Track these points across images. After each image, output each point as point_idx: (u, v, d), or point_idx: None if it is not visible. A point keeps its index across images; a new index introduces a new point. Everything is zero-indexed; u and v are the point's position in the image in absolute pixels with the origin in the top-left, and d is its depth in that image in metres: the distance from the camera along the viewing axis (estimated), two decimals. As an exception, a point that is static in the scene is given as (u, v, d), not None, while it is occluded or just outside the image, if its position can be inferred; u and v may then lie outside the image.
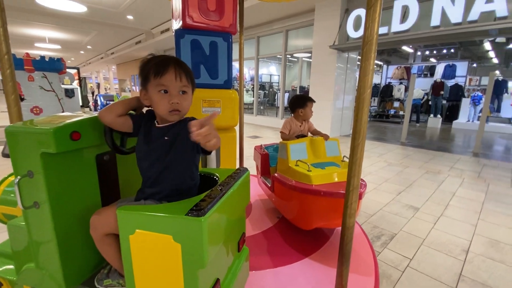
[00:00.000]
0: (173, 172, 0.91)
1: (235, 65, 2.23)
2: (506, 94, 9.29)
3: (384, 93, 11.22)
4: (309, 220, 1.51)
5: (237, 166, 1.98)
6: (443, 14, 4.36)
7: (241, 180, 0.91)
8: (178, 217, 0.68)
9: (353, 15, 5.50)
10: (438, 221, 2.36)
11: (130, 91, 21.62)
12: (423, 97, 9.80)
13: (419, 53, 13.92)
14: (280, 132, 2.19)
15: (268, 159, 2.13)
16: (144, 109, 1.03)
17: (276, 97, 10.58)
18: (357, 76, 6.94)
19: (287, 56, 7.88)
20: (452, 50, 13.70)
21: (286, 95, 10.15)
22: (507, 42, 10.15)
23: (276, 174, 1.77)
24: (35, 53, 17.21)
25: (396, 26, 4.84)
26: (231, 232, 0.88)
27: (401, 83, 11.00)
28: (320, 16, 6.26)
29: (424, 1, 4.58)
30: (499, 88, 9.05)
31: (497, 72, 14.48)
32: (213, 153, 1.39)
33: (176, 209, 0.71)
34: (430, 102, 9.59)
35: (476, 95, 8.97)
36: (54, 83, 5.00)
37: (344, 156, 1.65)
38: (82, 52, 18.11)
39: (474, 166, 4.22)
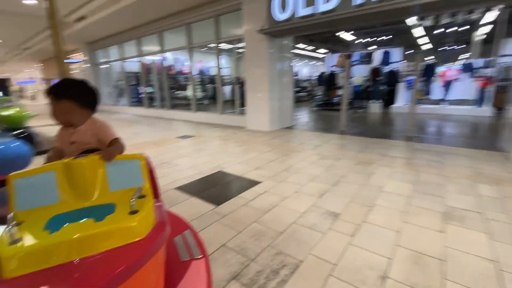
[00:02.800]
0: None
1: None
2: (435, 77, 9.82)
3: (328, 81, 11.20)
4: None
5: None
6: (366, -9, 4.05)
7: None
8: None
9: (280, -6, 4.98)
10: (358, 231, 1.91)
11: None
12: (364, 84, 9.92)
13: (359, 40, 14.33)
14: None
15: None
16: None
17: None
18: (292, 64, 6.58)
19: (236, 45, 7.08)
20: (386, 38, 14.36)
21: (228, 87, 9.48)
22: (434, 27, 10.74)
23: None
24: None
25: (322, 5, 4.44)
26: None
27: (343, 71, 11.05)
28: (247, -3, 5.65)
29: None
30: (430, 72, 9.50)
31: (429, 57, 15.60)
32: None
33: None
34: (370, 88, 9.74)
35: (410, 79, 9.30)
36: None
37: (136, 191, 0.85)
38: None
39: (406, 151, 4.05)
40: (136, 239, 0.72)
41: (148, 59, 9.88)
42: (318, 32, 5.51)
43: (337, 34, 12.71)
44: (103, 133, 1.13)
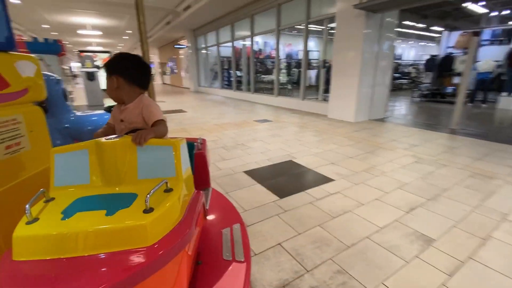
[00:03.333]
0: None
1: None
2: None
3: (443, 66, 9.11)
4: None
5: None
6: None
7: None
8: None
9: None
10: (459, 270, 1.40)
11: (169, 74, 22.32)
12: (494, 70, 7.57)
13: (494, 14, 10.96)
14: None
15: None
16: None
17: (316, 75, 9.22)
18: (394, 45, 5.50)
19: (326, 27, 6.56)
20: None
21: (314, 72, 8.95)
22: None
23: None
24: (81, 41, 18.55)
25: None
26: None
27: (465, 53, 8.73)
28: (346, -32, 4.96)
29: None
30: None
31: None
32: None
33: None
34: (504, 77, 7.38)
35: None
36: (53, 66, 4.93)
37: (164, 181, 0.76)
38: (125, 37, 18.91)
39: (558, 168, 2.84)
40: (144, 245, 0.62)
41: (240, 44, 10.28)
42: (436, 2, 4.36)
43: (463, 5, 10.05)
44: (147, 113, 1.06)
